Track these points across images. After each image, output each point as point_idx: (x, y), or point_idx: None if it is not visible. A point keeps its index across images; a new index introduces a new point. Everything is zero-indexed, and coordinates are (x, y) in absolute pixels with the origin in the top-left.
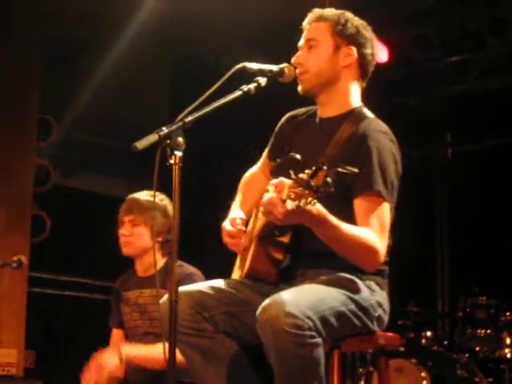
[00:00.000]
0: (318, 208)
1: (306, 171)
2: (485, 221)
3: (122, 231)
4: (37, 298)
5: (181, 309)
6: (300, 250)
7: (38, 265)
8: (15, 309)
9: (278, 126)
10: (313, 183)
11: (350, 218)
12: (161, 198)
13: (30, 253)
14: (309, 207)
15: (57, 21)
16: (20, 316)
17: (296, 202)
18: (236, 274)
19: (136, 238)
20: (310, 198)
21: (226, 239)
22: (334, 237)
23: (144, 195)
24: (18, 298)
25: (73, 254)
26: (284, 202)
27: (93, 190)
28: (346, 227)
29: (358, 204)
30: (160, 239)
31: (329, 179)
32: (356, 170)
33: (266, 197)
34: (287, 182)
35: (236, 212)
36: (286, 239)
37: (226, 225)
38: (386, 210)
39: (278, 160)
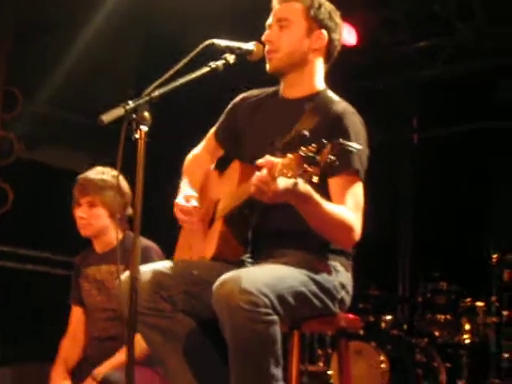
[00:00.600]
0: (304, 185)
1: (310, 147)
2: (448, 207)
3: (79, 213)
4: None
5: (139, 289)
6: (267, 230)
7: None
8: None
9: (231, 105)
10: (318, 159)
11: (325, 195)
12: (113, 175)
13: None
14: (305, 184)
15: None
16: None
17: (293, 180)
18: (183, 255)
19: (94, 218)
20: (308, 174)
21: (179, 215)
22: (315, 214)
23: (96, 173)
24: None
25: (35, 227)
26: (275, 179)
27: (57, 164)
28: (326, 204)
29: (335, 182)
30: (118, 216)
31: (332, 155)
32: (360, 147)
33: (256, 176)
34: (277, 160)
35: (189, 190)
36: (254, 218)
37: (180, 200)
38: (360, 189)
39: (287, 137)
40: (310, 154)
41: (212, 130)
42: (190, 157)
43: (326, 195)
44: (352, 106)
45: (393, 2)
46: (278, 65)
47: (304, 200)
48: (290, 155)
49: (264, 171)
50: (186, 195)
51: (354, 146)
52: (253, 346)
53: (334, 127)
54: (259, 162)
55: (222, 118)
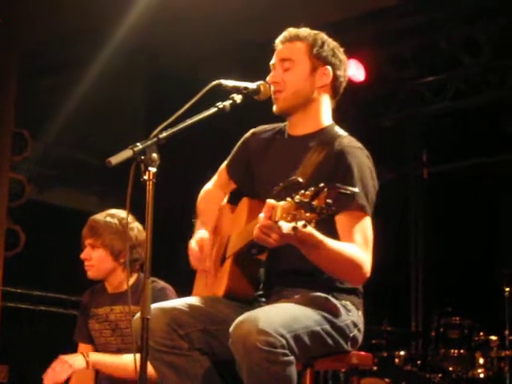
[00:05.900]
0: (307, 228)
1: (306, 193)
2: (460, 242)
3: (82, 255)
4: (10, 313)
5: (156, 326)
6: (276, 269)
7: (11, 279)
8: None
9: (242, 141)
10: (315, 205)
11: (333, 234)
12: (120, 218)
13: (3, 267)
14: (304, 229)
15: (34, 35)
16: None
17: (292, 224)
18: (199, 293)
19: (96, 261)
20: (305, 220)
21: (193, 262)
22: (320, 254)
23: (104, 216)
24: None
25: (47, 268)
26: (276, 223)
27: (67, 205)
28: (332, 243)
29: (341, 219)
30: (122, 260)
31: (329, 200)
32: (356, 190)
33: (259, 222)
34: (278, 204)
35: (201, 232)
36: (263, 257)
37: (193, 245)
38: (368, 225)
39: (281, 184)
40: (306, 200)
41: (223, 165)
42: (202, 193)
43: (335, 234)
44: (360, 142)
45: (400, 38)
46: (284, 105)
47: (307, 243)
48: (289, 199)
49: (264, 215)
50: (198, 239)
51: (352, 189)
52: None
53: (338, 162)
54: (264, 209)
55: (233, 153)
